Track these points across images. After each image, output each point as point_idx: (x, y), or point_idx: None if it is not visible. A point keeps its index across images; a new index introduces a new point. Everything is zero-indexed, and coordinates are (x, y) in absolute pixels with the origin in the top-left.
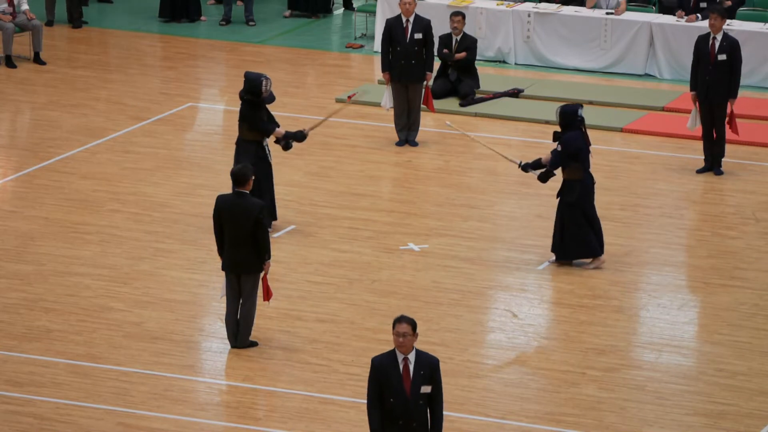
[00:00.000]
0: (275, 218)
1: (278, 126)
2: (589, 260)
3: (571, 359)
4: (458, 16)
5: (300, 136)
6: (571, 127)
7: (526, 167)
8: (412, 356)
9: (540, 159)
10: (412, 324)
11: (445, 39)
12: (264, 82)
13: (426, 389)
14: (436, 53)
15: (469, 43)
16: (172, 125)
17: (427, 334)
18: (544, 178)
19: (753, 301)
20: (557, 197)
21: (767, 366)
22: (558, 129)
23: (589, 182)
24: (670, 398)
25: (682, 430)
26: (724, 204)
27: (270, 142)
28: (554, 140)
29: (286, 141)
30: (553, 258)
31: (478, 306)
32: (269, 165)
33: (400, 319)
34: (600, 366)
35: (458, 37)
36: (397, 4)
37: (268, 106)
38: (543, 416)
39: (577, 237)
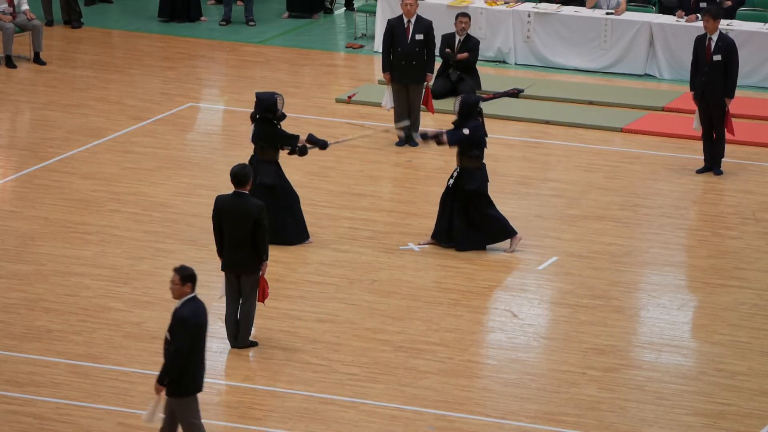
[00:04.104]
0: (308, 236)
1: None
2: (508, 245)
3: (571, 359)
4: (465, 17)
5: (322, 144)
6: (470, 117)
7: (425, 136)
8: (178, 303)
9: (431, 132)
10: (181, 275)
11: (448, 38)
12: (278, 100)
13: (167, 334)
14: (437, 53)
15: (471, 45)
16: (172, 125)
17: (427, 334)
18: (425, 138)
19: (753, 301)
20: (451, 185)
21: (767, 366)
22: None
23: (485, 171)
24: (670, 398)
25: (682, 430)
26: (724, 204)
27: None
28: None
29: (303, 147)
30: (424, 241)
31: (478, 306)
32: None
33: (175, 269)
34: (600, 366)
35: (461, 38)
36: (398, 4)
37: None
38: (543, 416)
39: (492, 222)
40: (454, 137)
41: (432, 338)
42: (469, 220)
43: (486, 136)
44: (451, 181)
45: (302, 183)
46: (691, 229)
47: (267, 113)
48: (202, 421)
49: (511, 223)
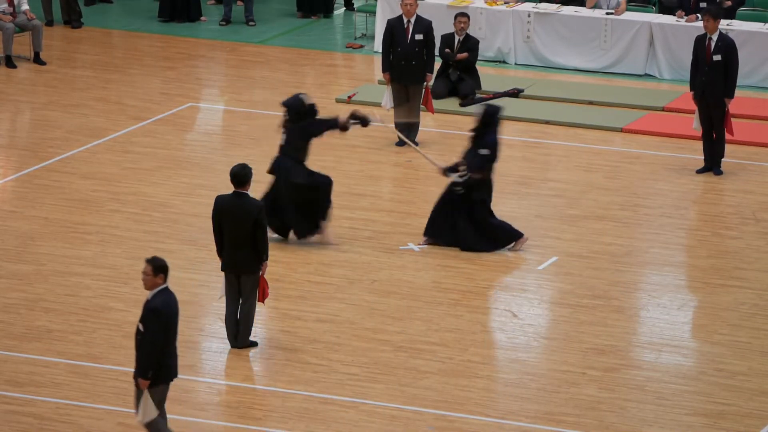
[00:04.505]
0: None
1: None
2: (511, 244)
3: (571, 359)
4: (464, 17)
5: (363, 121)
6: (490, 126)
7: (447, 172)
8: (150, 294)
9: (457, 163)
10: (153, 266)
11: (447, 38)
12: (304, 99)
13: (139, 325)
14: (437, 53)
15: (471, 45)
16: (172, 125)
17: (427, 334)
18: (466, 183)
19: (753, 301)
20: (454, 189)
21: (767, 366)
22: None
23: (491, 182)
24: (670, 398)
25: (682, 430)
26: (724, 204)
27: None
28: (474, 138)
29: (345, 125)
30: (422, 242)
31: (478, 306)
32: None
33: (147, 260)
34: (600, 366)
35: (461, 38)
36: (398, 4)
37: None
38: (543, 416)
39: (497, 230)
40: (477, 166)
41: (432, 338)
42: (476, 225)
43: None
44: (459, 189)
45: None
46: (691, 229)
47: (301, 116)
48: (203, 421)
49: (513, 223)
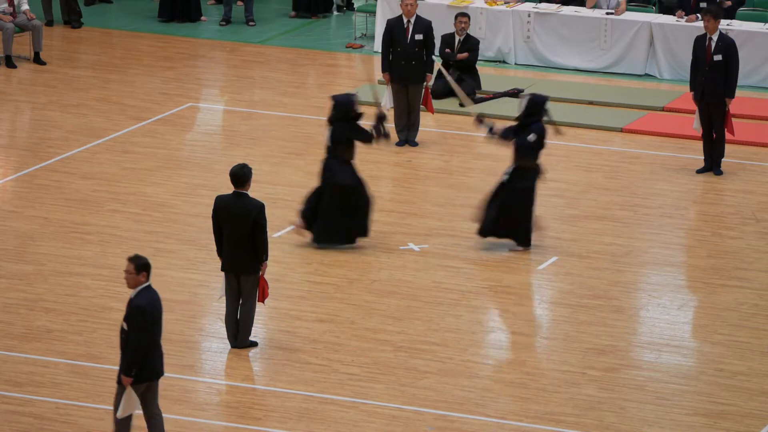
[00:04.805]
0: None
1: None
2: (513, 244)
3: (571, 359)
4: (465, 17)
5: (382, 117)
6: (535, 116)
7: (481, 120)
8: (133, 292)
9: (493, 128)
10: (136, 264)
11: (448, 38)
12: (354, 100)
13: (123, 324)
14: (437, 53)
15: (471, 44)
16: (172, 125)
17: (427, 334)
18: (491, 132)
19: (753, 301)
20: (506, 181)
21: (767, 366)
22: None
23: (540, 170)
24: (670, 398)
25: (682, 430)
26: (724, 204)
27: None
28: (520, 127)
29: (382, 131)
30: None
31: (478, 306)
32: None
33: (129, 258)
34: (600, 366)
35: (461, 38)
36: (398, 4)
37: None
38: (543, 416)
39: (522, 225)
40: (521, 145)
41: (432, 338)
42: (505, 213)
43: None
44: (506, 177)
45: (302, 183)
46: (691, 229)
47: (348, 114)
48: (203, 421)
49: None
